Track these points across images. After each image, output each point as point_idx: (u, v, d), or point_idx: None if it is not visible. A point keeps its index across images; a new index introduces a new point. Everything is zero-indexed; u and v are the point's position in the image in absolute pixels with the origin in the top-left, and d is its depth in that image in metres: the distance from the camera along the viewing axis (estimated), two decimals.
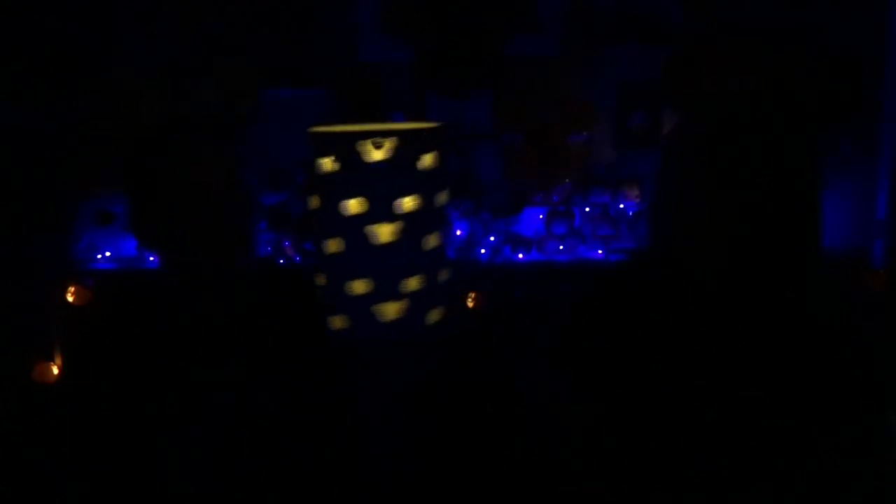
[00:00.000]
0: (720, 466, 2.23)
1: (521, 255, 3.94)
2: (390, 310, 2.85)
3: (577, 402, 2.63)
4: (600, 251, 3.97)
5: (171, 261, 3.37)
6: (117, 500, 2.21)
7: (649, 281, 3.27)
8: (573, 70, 4.10)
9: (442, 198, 2.96)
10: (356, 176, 2.80)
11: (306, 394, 2.73)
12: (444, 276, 3.01)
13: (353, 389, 2.76)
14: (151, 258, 3.90)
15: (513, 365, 2.93)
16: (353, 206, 2.80)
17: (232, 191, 3.29)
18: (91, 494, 2.23)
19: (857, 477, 2.19)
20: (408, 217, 2.81)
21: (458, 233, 3.98)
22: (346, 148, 2.78)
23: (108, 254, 4.00)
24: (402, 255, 2.83)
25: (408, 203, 2.80)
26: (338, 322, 2.93)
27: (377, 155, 2.75)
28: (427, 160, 2.83)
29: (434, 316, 2.94)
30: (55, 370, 2.90)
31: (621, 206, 4.06)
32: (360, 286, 2.85)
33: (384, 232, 2.80)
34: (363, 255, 2.83)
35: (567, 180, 4.10)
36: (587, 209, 4.06)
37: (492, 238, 4.00)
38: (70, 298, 3.37)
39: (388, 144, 2.73)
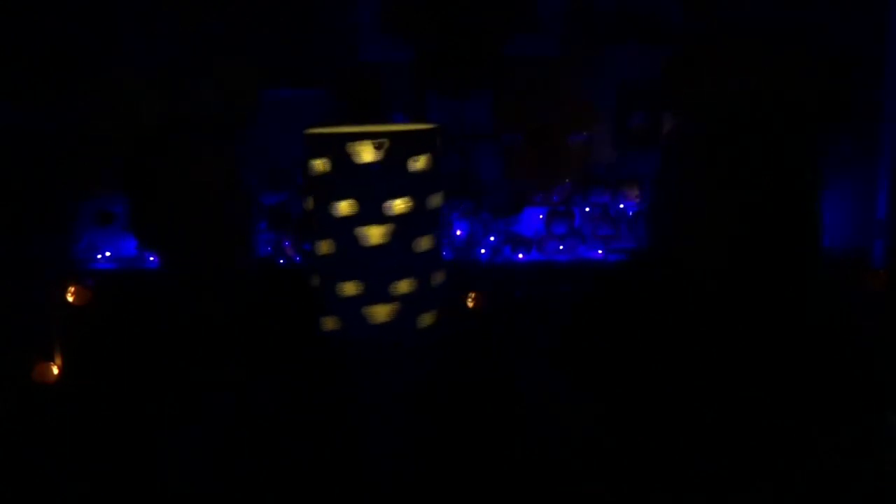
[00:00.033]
0: (720, 466, 2.23)
1: (521, 255, 3.93)
2: (380, 312, 2.85)
3: (577, 402, 2.63)
4: (600, 251, 3.97)
5: (171, 261, 3.37)
6: (117, 500, 2.21)
7: (649, 281, 3.27)
8: (573, 70, 4.10)
9: (435, 200, 2.95)
10: (346, 177, 2.80)
11: (306, 394, 2.73)
12: (437, 279, 3.00)
13: (352, 389, 2.76)
14: (151, 258, 3.90)
15: (513, 365, 2.93)
16: (344, 207, 2.80)
17: (232, 191, 3.29)
18: (91, 494, 2.23)
19: (857, 477, 2.19)
20: (398, 219, 2.81)
21: (458, 233, 3.98)
22: (336, 149, 2.78)
23: (108, 254, 3.99)
24: (393, 257, 2.82)
25: (398, 205, 2.80)
26: (329, 323, 2.94)
27: (367, 156, 2.75)
28: (419, 162, 2.83)
29: (426, 320, 2.93)
30: (55, 370, 2.90)
31: (621, 206, 4.06)
32: (350, 288, 2.85)
33: (374, 234, 2.80)
34: (353, 257, 2.83)
35: (567, 180, 4.10)
36: (587, 209, 4.05)
37: (492, 238, 4.00)
38: (70, 298, 3.37)
39: (382, 145, 2.73)
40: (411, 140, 2.86)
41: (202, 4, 3.44)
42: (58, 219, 3.70)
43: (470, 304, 3.37)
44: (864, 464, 2.24)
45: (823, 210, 3.15)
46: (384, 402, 2.68)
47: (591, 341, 3.00)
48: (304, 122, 3.01)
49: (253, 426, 2.55)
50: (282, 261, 3.94)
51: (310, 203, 2.93)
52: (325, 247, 2.89)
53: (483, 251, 3.96)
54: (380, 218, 2.80)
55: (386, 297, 2.84)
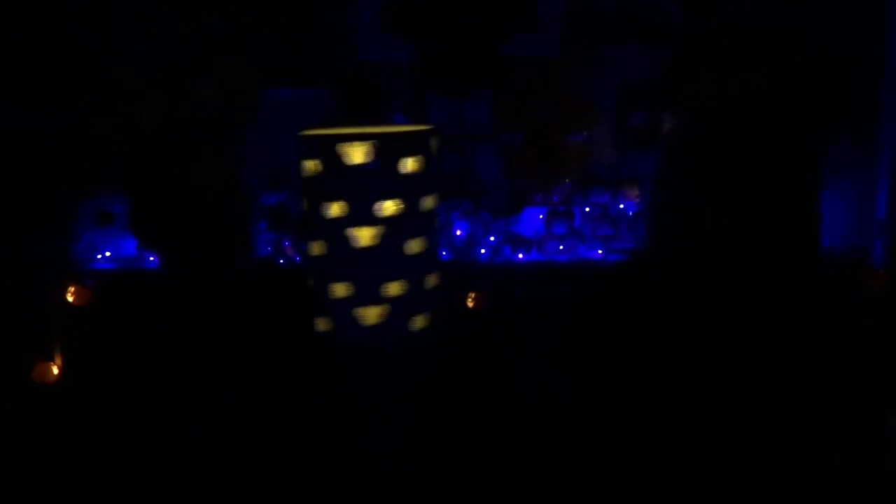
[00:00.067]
0: (720, 466, 2.23)
1: (521, 255, 3.94)
2: (371, 314, 2.85)
3: (577, 402, 2.63)
4: (600, 251, 3.97)
5: (171, 261, 3.37)
6: (117, 500, 2.21)
7: (649, 281, 3.27)
8: (573, 70, 4.10)
9: (428, 203, 2.94)
10: (337, 179, 2.80)
11: (306, 394, 2.73)
12: (431, 282, 2.99)
13: (352, 389, 2.76)
14: (151, 258, 3.90)
15: (513, 365, 2.93)
16: (334, 208, 2.80)
17: (232, 191, 3.29)
18: (91, 494, 2.23)
19: (857, 477, 2.19)
20: (389, 221, 2.80)
21: (458, 233, 3.99)
22: (327, 151, 2.78)
23: (108, 254, 4.00)
24: (383, 259, 2.82)
25: (388, 207, 2.79)
26: (322, 324, 2.94)
27: (358, 158, 2.75)
28: (409, 164, 2.82)
29: (419, 322, 2.93)
30: (55, 370, 2.90)
31: (621, 206, 4.06)
32: (341, 289, 2.85)
33: (364, 235, 2.80)
34: (344, 258, 2.83)
35: (567, 180, 4.10)
36: (587, 209, 4.06)
37: (492, 238, 4.00)
38: (70, 298, 3.37)
39: (371, 147, 2.73)
40: (403, 142, 2.85)
41: (202, 4, 3.44)
42: (58, 219, 3.70)
43: (470, 304, 3.37)
44: (864, 464, 2.24)
45: (823, 210, 3.15)
46: (384, 402, 2.68)
47: (591, 341, 3.00)
48: (304, 122, 3.02)
49: (253, 426, 2.55)
50: (282, 261, 3.94)
51: (305, 204, 2.94)
52: (317, 248, 2.89)
53: (483, 251, 3.96)
54: (370, 219, 2.79)
55: (376, 299, 2.84)
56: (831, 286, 3.30)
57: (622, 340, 2.95)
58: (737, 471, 2.22)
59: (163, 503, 2.20)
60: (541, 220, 4.06)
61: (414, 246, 2.88)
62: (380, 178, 2.78)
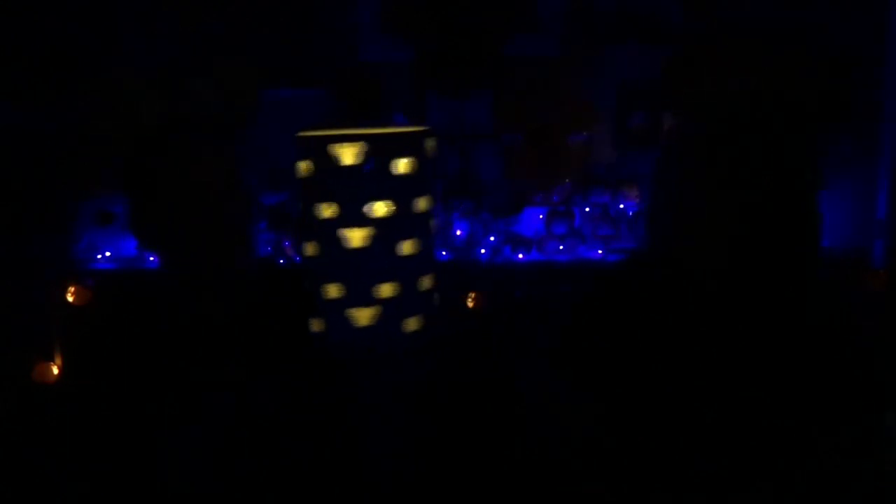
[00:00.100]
0: (720, 466, 2.23)
1: (521, 255, 3.94)
2: (363, 315, 2.84)
3: (577, 402, 2.63)
4: (600, 251, 3.97)
5: (171, 261, 3.37)
6: (117, 500, 2.21)
7: (649, 281, 3.27)
8: (573, 70, 4.10)
9: (421, 204, 2.93)
10: (329, 179, 2.79)
11: (306, 394, 2.73)
12: (425, 283, 2.98)
13: (351, 390, 2.76)
14: (151, 258, 3.90)
15: (513, 365, 2.93)
16: (326, 209, 2.80)
17: (232, 191, 3.29)
18: (91, 494, 2.23)
19: (857, 477, 2.19)
20: (381, 222, 2.80)
21: (458, 233, 3.98)
22: (319, 151, 2.77)
23: (108, 254, 4.00)
24: (375, 260, 2.82)
25: (380, 208, 2.79)
26: (316, 325, 2.94)
27: (349, 159, 2.74)
28: (401, 165, 2.81)
29: (412, 324, 2.92)
30: (55, 370, 2.90)
31: (621, 206, 4.06)
32: (333, 290, 2.85)
33: (355, 236, 2.79)
34: (336, 259, 2.83)
35: (567, 180, 4.10)
36: (587, 209, 4.06)
37: (492, 238, 4.00)
38: (70, 298, 3.37)
39: (362, 148, 2.72)
40: (395, 143, 2.85)
41: (202, 4, 3.44)
42: (58, 219, 3.70)
43: (470, 304, 3.37)
44: (864, 464, 2.24)
45: (823, 210, 3.15)
46: (383, 402, 2.68)
47: (591, 341, 3.00)
48: (304, 122, 3.02)
49: (252, 426, 2.55)
50: (282, 261, 3.94)
51: (301, 204, 2.94)
52: (310, 248, 2.89)
53: (483, 251, 3.96)
54: (362, 220, 2.79)
55: (368, 301, 2.83)
56: (831, 286, 3.30)
57: (622, 340, 2.95)
58: (737, 471, 2.22)
59: (163, 503, 2.20)
60: (541, 220, 4.06)
61: (406, 247, 2.87)
62: (371, 179, 2.78)
